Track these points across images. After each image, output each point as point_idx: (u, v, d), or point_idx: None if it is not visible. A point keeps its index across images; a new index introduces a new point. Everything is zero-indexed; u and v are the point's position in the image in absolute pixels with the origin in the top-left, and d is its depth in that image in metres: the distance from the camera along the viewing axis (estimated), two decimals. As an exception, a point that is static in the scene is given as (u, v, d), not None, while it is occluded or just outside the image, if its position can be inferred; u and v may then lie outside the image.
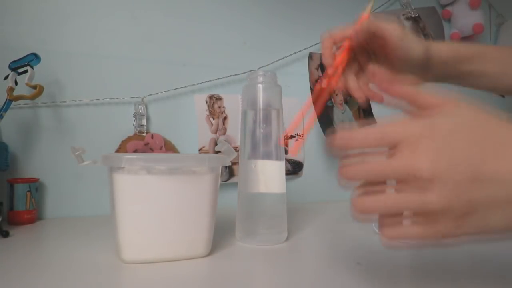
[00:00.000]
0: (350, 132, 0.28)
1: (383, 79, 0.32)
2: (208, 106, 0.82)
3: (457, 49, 0.48)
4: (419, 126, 0.27)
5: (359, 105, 0.96)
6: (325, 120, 0.90)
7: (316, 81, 0.92)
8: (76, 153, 0.45)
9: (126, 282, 0.39)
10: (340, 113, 0.93)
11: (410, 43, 0.45)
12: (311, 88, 0.91)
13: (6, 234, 0.54)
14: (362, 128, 0.28)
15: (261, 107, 0.53)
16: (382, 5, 1.01)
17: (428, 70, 0.47)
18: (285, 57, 0.89)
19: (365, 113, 0.97)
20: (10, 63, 0.63)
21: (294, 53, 0.90)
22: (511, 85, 0.49)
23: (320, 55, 0.93)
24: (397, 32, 0.44)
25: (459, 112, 0.27)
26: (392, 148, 0.27)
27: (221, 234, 0.55)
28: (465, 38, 1.12)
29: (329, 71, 0.47)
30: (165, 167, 0.43)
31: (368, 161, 0.27)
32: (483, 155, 0.25)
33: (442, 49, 0.47)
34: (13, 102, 0.63)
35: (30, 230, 0.60)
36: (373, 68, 0.45)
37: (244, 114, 0.55)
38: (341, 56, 0.48)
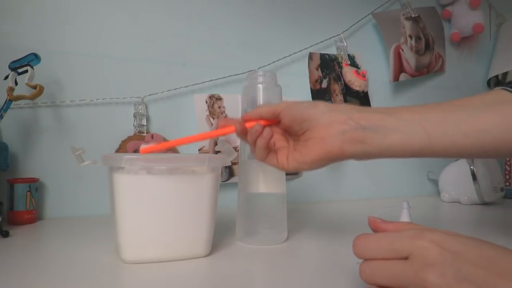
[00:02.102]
0: (364, 241, 0.31)
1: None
2: (208, 106, 0.82)
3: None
4: (427, 241, 0.29)
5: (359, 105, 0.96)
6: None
7: (316, 81, 0.92)
8: (76, 153, 0.45)
9: (126, 282, 0.39)
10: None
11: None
12: (311, 88, 0.91)
13: (6, 234, 0.54)
14: (375, 239, 0.31)
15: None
16: (382, 5, 1.01)
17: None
18: (285, 57, 0.89)
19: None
20: (10, 63, 0.63)
21: (294, 53, 0.90)
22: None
23: (320, 55, 0.93)
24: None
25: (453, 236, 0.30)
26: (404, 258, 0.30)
27: (221, 234, 0.55)
28: (465, 38, 1.12)
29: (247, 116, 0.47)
30: (165, 167, 0.43)
31: (386, 267, 0.30)
32: (486, 274, 0.27)
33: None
34: (13, 102, 0.63)
35: (30, 230, 0.60)
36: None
37: (244, 114, 0.55)
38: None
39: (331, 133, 0.43)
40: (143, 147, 0.45)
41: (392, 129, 0.42)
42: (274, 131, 0.47)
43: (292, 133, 0.47)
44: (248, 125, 0.47)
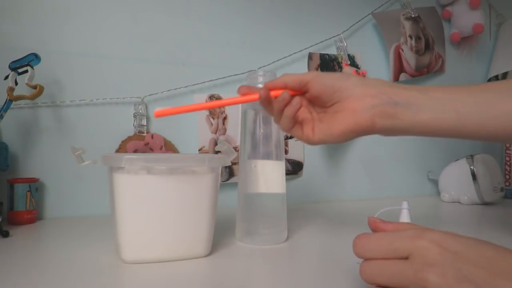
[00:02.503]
0: (365, 241, 0.31)
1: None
2: (208, 106, 0.82)
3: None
4: (427, 240, 0.29)
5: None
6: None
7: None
8: (76, 153, 0.45)
9: (126, 282, 0.39)
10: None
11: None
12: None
13: (6, 234, 0.54)
14: (375, 239, 0.31)
15: (261, 107, 0.53)
16: (382, 5, 1.01)
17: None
18: (285, 57, 0.89)
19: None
20: (10, 63, 0.63)
21: (294, 53, 0.90)
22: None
23: (320, 55, 0.93)
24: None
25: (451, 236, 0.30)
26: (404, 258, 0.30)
27: (221, 234, 0.55)
28: (465, 38, 1.12)
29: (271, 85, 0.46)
30: (165, 167, 0.43)
31: (386, 267, 0.30)
32: (487, 274, 0.26)
33: None
34: (13, 102, 0.63)
35: (30, 230, 0.60)
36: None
37: (244, 114, 0.55)
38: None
39: (363, 106, 0.43)
40: (157, 110, 0.44)
41: (423, 107, 0.42)
42: None
43: (319, 104, 0.47)
44: (272, 94, 0.45)
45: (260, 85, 0.53)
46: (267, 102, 0.46)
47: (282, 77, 0.46)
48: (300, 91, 0.46)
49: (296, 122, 0.46)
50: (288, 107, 0.45)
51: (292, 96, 0.45)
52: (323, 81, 0.45)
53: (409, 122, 0.42)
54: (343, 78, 0.45)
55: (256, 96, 0.45)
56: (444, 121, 0.42)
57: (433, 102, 0.42)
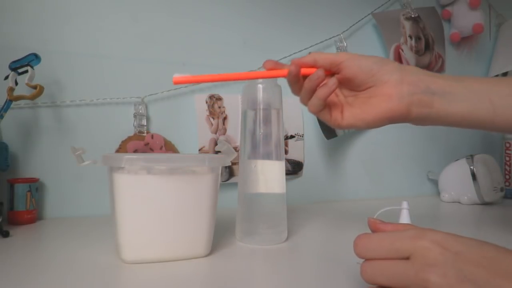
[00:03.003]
0: (365, 241, 0.31)
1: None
2: (208, 106, 0.82)
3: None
4: (428, 241, 0.28)
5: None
6: (325, 120, 0.90)
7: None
8: (76, 153, 0.45)
9: (126, 282, 0.39)
10: (340, 113, 0.92)
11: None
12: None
13: (6, 234, 0.54)
14: (376, 239, 0.31)
15: (261, 107, 0.53)
16: (382, 5, 1.01)
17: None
18: (285, 57, 0.89)
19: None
20: (10, 63, 0.63)
21: (294, 53, 0.90)
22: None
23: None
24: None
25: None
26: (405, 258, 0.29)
27: (221, 234, 0.55)
28: (465, 38, 1.12)
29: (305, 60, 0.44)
30: (165, 167, 0.43)
31: (387, 267, 0.30)
32: (488, 275, 0.26)
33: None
34: (13, 102, 0.63)
35: (30, 230, 0.60)
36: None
37: (244, 114, 0.55)
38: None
39: (401, 92, 0.42)
40: (176, 76, 0.42)
41: (459, 97, 0.41)
42: None
43: (350, 87, 0.45)
44: (302, 71, 0.43)
45: (260, 85, 0.53)
46: (295, 79, 0.43)
47: (312, 55, 0.44)
48: (329, 71, 0.44)
49: (326, 104, 0.44)
50: (323, 88, 0.42)
51: (329, 76, 0.43)
52: (360, 64, 0.43)
53: (444, 112, 0.42)
54: (381, 62, 0.43)
55: (283, 71, 0.43)
56: (479, 112, 0.41)
57: (469, 92, 0.41)
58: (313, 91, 0.43)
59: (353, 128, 0.45)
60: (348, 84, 0.45)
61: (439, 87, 0.42)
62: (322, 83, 0.43)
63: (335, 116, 0.45)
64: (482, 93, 0.41)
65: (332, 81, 0.42)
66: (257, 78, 0.46)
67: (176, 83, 0.42)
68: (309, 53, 0.45)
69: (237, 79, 0.45)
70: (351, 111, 0.44)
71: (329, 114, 0.45)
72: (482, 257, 0.27)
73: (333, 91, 0.42)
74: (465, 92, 0.42)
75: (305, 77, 0.44)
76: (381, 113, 0.42)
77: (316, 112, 0.45)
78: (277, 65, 0.44)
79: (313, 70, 0.44)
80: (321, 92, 0.42)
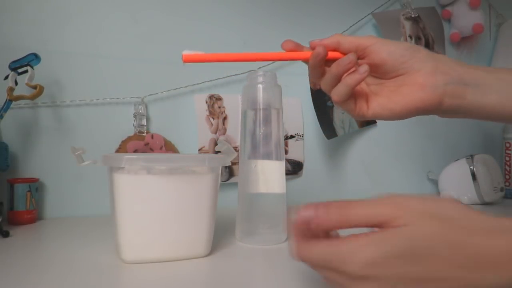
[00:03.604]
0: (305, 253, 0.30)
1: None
2: (208, 106, 0.82)
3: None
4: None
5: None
6: (325, 120, 0.90)
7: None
8: (76, 153, 0.45)
9: (126, 282, 0.39)
10: (340, 113, 0.93)
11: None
12: (311, 88, 0.91)
13: (6, 234, 0.54)
14: (315, 257, 0.29)
15: (261, 107, 0.53)
16: (382, 5, 1.01)
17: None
18: (285, 57, 0.89)
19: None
20: (10, 63, 0.63)
21: (294, 53, 0.90)
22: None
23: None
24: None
25: (415, 231, 0.26)
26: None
27: (221, 234, 0.55)
28: (465, 38, 1.12)
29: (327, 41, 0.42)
30: (165, 167, 0.43)
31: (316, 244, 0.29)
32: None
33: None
34: (13, 102, 0.63)
35: (30, 230, 0.60)
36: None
37: (244, 114, 0.55)
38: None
39: (435, 82, 0.39)
40: (186, 52, 0.39)
41: (490, 88, 0.40)
42: None
43: (376, 74, 0.42)
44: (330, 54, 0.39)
45: (260, 85, 0.53)
46: (320, 63, 0.40)
47: (336, 36, 0.41)
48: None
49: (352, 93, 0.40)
50: (353, 74, 0.39)
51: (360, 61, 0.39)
52: (390, 49, 0.40)
53: (476, 104, 0.40)
54: (413, 49, 0.40)
55: (305, 54, 0.40)
56: (510, 104, 0.39)
57: (501, 84, 0.40)
58: (339, 78, 0.40)
59: (377, 119, 0.42)
60: (374, 71, 0.41)
61: (472, 78, 0.40)
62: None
63: (359, 106, 0.41)
64: None
65: (364, 68, 0.38)
66: (275, 59, 0.42)
67: (186, 61, 0.38)
68: (334, 35, 0.42)
69: (253, 60, 0.41)
70: (378, 101, 0.41)
71: (353, 103, 0.41)
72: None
73: (364, 78, 0.39)
74: (498, 83, 0.40)
75: (327, 61, 0.41)
76: (412, 104, 0.39)
77: (341, 101, 0.41)
78: (297, 47, 0.41)
79: (336, 53, 0.41)
80: (351, 79, 0.39)
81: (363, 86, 0.43)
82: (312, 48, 0.42)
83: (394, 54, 0.40)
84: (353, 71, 0.39)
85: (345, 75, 0.40)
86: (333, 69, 0.39)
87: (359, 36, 0.41)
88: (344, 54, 0.40)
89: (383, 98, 0.41)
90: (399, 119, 0.42)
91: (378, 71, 0.42)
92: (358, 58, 0.41)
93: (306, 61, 0.42)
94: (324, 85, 0.42)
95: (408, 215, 0.26)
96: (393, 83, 0.41)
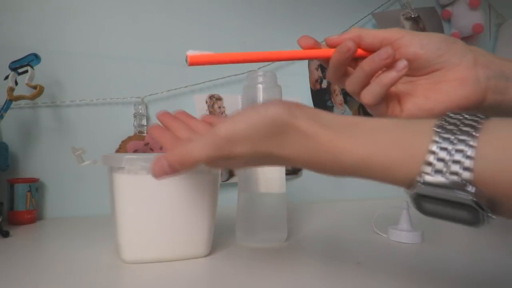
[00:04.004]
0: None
1: None
2: (208, 106, 0.82)
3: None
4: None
5: (359, 104, 0.96)
6: (325, 120, 0.90)
7: (316, 81, 0.92)
8: (76, 153, 0.45)
9: (126, 282, 0.39)
10: (340, 113, 0.93)
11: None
12: (311, 88, 0.91)
13: (6, 234, 0.54)
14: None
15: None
16: (382, 5, 1.01)
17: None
18: (285, 57, 0.89)
19: (365, 112, 0.97)
20: (10, 63, 0.63)
21: (294, 53, 0.90)
22: None
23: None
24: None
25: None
26: None
27: (221, 234, 0.55)
28: (465, 38, 1.12)
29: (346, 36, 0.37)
30: (165, 167, 0.43)
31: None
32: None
33: None
34: (13, 102, 0.63)
35: (30, 230, 0.60)
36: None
37: (244, 114, 0.55)
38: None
39: (477, 76, 0.35)
40: (191, 53, 0.34)
41: None
42: None
43: (408, 72, 0.35)
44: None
45: (260, 85, 0.53)
46: (347, 60, 0.36)
47: (356, 30, 0.37)
48: (366, 53, 0.36)
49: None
50: (388, 72, 0.34)
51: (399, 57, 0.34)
52: (423, 42, 0.35)
53: None
54: (448, 40, 0.35)
55: (327, 52, 0.36)
56: None
57: None
58: (371, 76, 0.35)
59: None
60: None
61: (511, 71, 0.36)
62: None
63: (392, 108, 0.37)
64: None
65: (402, 63, 0.34)
66: (292, 59, 0.38)
67: (192, 63, 0.34)
68: (352, 28, 0.38)
69: (267, 60, 0.37)
70: (413, 101, 0.36)
71: (385, 106, 0.37)
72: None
73: (402, 76, 0.34)
74: None
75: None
76: (454, 102, 0.35)
77: (373, 104, 0.36)
78: (316, 44, 0.38)
79: (360, 50, 0.37)
80: (386, 78, 0.34)
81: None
82: (330, 45, 0.38)
83: (429, 47, 0.35)
84: (393, 67, 0.35)
85: (378, 73, 0.35)
86: (366, 66, 0.35)
87: (384, 30, 0.36)
88: (367, 50, 0.36)
89: (418, 98, 0.37)
90: None
91: (409, 68, 0.36)
92: None
93: (325, 59, 0.39)
94: (350, 85, 0.37)
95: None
96: (426, 80, 0.37)
